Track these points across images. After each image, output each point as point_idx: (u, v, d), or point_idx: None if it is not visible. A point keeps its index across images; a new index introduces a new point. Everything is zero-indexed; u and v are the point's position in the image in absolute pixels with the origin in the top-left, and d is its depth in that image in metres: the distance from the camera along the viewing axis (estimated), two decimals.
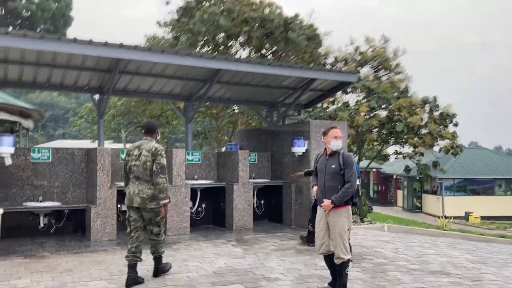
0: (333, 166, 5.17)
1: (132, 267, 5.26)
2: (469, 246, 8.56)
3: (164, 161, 5.38)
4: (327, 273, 5.88)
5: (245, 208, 8.81)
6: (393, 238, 8.65)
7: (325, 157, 5.33)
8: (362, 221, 5.11)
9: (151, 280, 5.41)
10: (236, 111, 18.84)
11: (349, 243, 5.26)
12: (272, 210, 9.78)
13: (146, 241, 5.53)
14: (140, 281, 5.29)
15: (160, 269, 5.64)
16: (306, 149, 8.95)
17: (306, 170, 8.19)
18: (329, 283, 5.33)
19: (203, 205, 9.18)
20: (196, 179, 9.26)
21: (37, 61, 7.48)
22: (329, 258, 5.30)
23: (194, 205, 8.91)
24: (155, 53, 7.27)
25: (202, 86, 9.12)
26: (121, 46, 6.90)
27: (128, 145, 22.78)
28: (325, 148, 5.37)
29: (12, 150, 6.94)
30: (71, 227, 8.20)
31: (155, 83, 8.99)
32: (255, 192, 9.42)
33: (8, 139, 6.77)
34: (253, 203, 9.18)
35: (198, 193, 9.00)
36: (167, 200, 5.37)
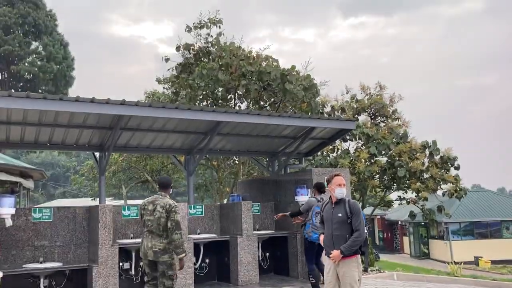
0: (340, 215, 5.09)
1: None
2: None
3: (178, 217, 5.68)
4: None
5: (250, 262, 8.59)
6: (403, 287, 8.39)
7: (330, 206, 5.26)
8: (366, 271, 4.93)
9: None
10: (237, 162, 18.89)
11: None
12: (278, 262, 9.55)
13: None
14: None
15: None
16: (309, 197, 8.85)
17: (291, 211, 8.13)
18: None
19: (207, 260, 8.97)
20: (199, 233, 9.10)
21: (39, 121, 7.55)
22: None
23: (197, 260, 8.70)
24: (156, 108, 7.36)
25: (202, 139, 9.16)
26: (122, 103, 6.99)
27: (129, 202, 22.64)
28: (330, 196, 5.31)
29: (13, 211, 6.86)
30: None
31: (156, 138, 9.04)
32: (260, 244, 9.23)
33: (9, 200, 6.71)
34: (258, 256, 8.97)
35: (201, 247, 8.82)
36: (184, 254, 5.65)
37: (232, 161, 18.99)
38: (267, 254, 9.60)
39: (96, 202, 18.81)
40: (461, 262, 15.77)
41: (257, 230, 9.39)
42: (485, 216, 31.46)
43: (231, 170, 18.46)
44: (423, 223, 32.22)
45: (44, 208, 8.08)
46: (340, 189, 5.17)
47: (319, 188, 7.58)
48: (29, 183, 16.53)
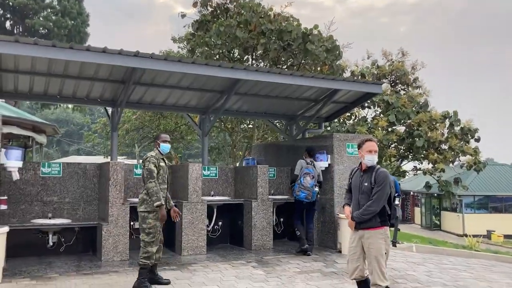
0: (366, 184, 4.70)
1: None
2: (506, 269, 7.92)
3: (151, 166, 5.57)
4: None
5: (264, 227, 8.30)
6: (424, 260, 8.06)
7: (359, 173, 4.86)
8: (394, 245, 4.65)
9: None
10: (250, 126, 18.45)
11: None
12: (293, 228, 9.25)
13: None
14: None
15: (136, 283, 5.53)
16: (329, 164, 8.46)
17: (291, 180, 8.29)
18: None
19: (220, 223, 8.70)
20: (212, 195, 8.81)
21: (48, 71, 7.16)
22: (363, 285, 4.79)
23: (210, 222, 8.44)
24: (172, 62, 6.90)
25: (219, 98, 8.72)
26: (136, 54, 6.54)
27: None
28: (360, 163, 4.90)
29: (20, 164, 6.57)
30: (81, 246, 7.77)
31: (170, 95, 8.62)
32: (274, 210, 8.92)
33: (16, 153, 6.41)
34: (273, 221, 8.67)
35: (215, 210, 8.54)
36: (159, 203, 5.47)
37: (246, 124, 18.59)
38: (282, 219, 9.31)
39: (108, 160, 18.74)
40: (479, 235, 15.41)
41: (272, 195, 9.06)
42: (500, 190, 30.92)
43: (244, 134, 18.10)
44: (436, 194, 31.81)
45: (53, 163, 7.81)
46: (371, 156, 4.75)
47: (310, 152, 8.12)
48: (42, 138, 16.31)
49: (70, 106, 39.14)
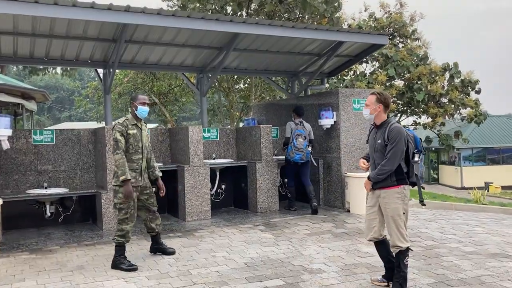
0: (379, 141, 4.33)
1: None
2: None
3: (117, 135, 4.99)
4: (373, 260, 5.17)
5: (269, 189, 8.02)
6: (434, 216, 7.86)
7: (374, 130, 4.50)
8: (423, 204, 4.37)
9: (175, 278, 4.66)
10: (247, 85, 17.92)
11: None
12: (297, 189, 8.98)
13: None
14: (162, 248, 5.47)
15: (113, 262, 5.04)
16: (335, 121, 8.10)
17: (283, 142, 8.18)
18: (382, 276, 4.55)
19: (223, 186, 8.41)
20: (214, 158, 8.47)
21: (32, 31, 6.62)
22: (380, 247, 4.51)
23: (213, 186, 8.14)
24: (166, 16, 6.35)
25: (217, 55, 8.22)
26: (127, 9, 6.01)
27: None
28: None
29: (9, 132, 6.15)
30: (80, 215, 7.48)
31: (165, 53, 8.11)
32: (279, 171, 8.61)
33: (4, 120, 5.97)
34: (277, 183, 8.38)
35: (217, 173, 8.23)
36: (123, 177, 4.87)
37: (242, 84, 18.07)
38: (286, 180, 9.02)
39: (102, 125, 18.32)
40: (477, 188, 15.31)
41: (276, 155, 8.73)
42: (498, 142, 30.89)
43: (241, 94, 17.61)
44: (433, 148, 31.76)
45: (45, 130, 7.38)
46: (364, 110, 4.40)
47: (298, 112, 8.03)
48: (31, 105, 15.77)
49: (59, 71, 38.13)
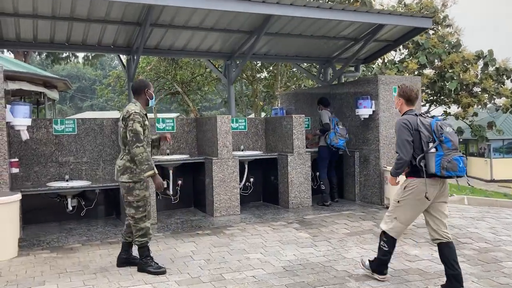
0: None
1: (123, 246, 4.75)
2: None
3: (137, 126, 4.33)
4: (424, 265, 4.74)
5: (302, 183, 7.51)
6: (481, 214, 7.24)
7: None
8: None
9: (208, 284, 4.20)
10: (272, 73, 17.34)
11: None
12: (331, 183, 8.46)
13: None
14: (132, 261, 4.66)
15: (140, 265, 4.53)
16: (373, 111, 7.52)
17: (320, 129, 7.78)
18: (442, 286, 4.01)
19: (251, 179, 7.93)
20: (242, 150, 7.99)
21: (53, 13, 6.20)
22: (444, 249, 3.97)
23: (241, 180, 7.67)
24: None
25: (246, 40, 7.70)
26: None
27: (158, 115, 21.69)
28: None
29: (28, 122, 5.77)
30: (104, 209, 7.11)
31: (192, 38, 7.62)
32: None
33: (23, 109, 5.59)
34: (310, 177, 7.86)
35: (246, 166, 7.75)
36: (151, 172, 4.31)
37: (266, 73, 17.49)
38: (318, 174, 8.50)
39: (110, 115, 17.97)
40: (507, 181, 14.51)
41: (307, 147, 8.21)
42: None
43: (264, 83, 17.05)
44: (461, 140, 30.70)
45: (66, 120, 7.00)
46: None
47: (324, 103, 7.87)
48: (53, 94, 15.51)
49: (80, 61, 38.12)
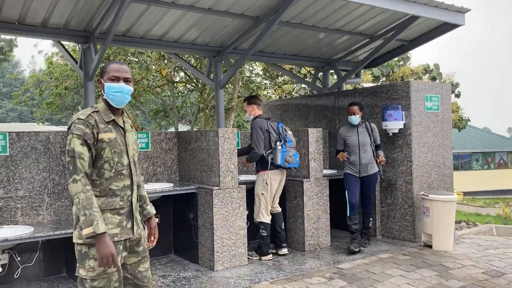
0: None
1: None
2: None
3: (75, 144, 2.45)
4: None
5: (320, 217, 5.80)
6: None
7: None
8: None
9: None
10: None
11: None
12: (341, 213, 6.83)
13: None
14: None
15: None
16: (404, 124, 6.05)
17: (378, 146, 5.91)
18: None
19: (247, 213, 6.05)
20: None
21: None
22: None
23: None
24: None
25: (249, 29, 5.88)
26: None
27: None
28: None
29: None
30: (49, 267, 4.83)
31: (176, 23, 5.62)
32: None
33: None
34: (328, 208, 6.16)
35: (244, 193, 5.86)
36: (89, 230, 2.34)
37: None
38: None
39: (54, 128, 15.28)
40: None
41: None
42: (456, 148, 30.63)
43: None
44: None
45: None
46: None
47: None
48: None
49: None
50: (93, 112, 2.57)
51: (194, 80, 14.59)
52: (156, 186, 5.16)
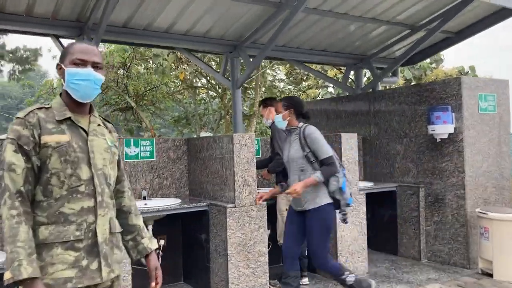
0: None
1: None
2: None
3: (8, 153, 1.69)
4: None
5: (356, 238, 4.90)
6: None
7: None
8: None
9: None
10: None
11: None
12: (378, 232, 5.91)
13: None
14: None
15: None
16: (455, 128, 5.11)
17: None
18: None
19: (269, 232, 5.18)
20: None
21: None
22: None
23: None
24: None
25: (270, 18, 5.06)
26: None
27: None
28: None
29: None
30: None
31: (184, 12, 4.86)
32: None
33: None
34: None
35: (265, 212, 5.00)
36: (7, 274, 1.55)
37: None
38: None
39: None
40: None
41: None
42: None
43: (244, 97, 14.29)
44: None
45: None
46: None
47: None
48: None
49: (5, 76, 33.29)
50: (38, 108, 1.79)
51: (216, 87, 13.90)
52: (160, 202, 4.35)
